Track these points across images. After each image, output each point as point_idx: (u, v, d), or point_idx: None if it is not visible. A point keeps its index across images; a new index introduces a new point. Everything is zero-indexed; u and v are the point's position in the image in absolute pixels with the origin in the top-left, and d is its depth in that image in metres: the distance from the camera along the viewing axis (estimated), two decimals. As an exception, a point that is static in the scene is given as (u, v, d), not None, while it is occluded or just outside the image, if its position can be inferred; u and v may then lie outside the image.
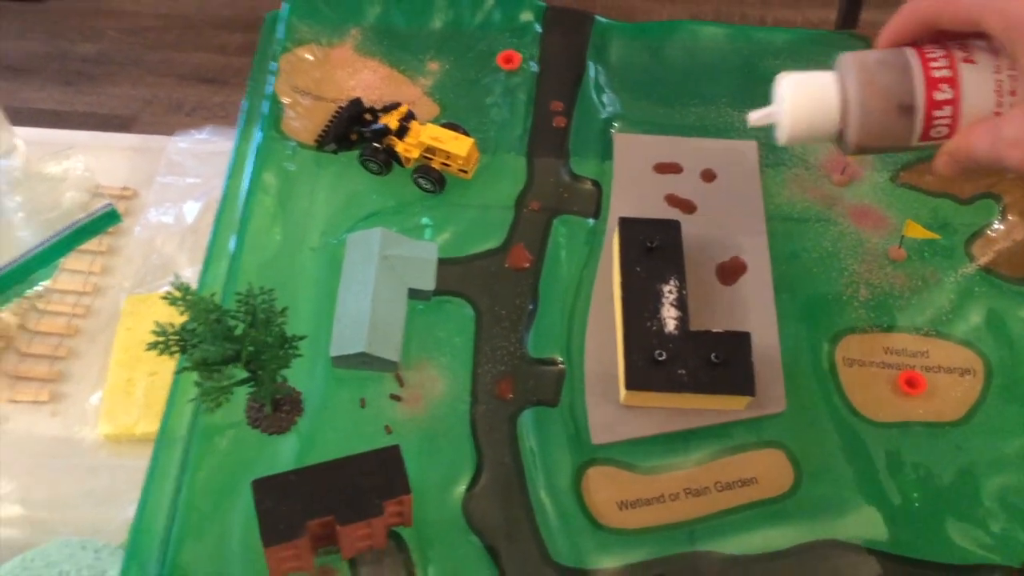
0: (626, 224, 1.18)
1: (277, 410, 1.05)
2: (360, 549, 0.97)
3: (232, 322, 0.85)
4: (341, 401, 1.07)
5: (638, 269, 1.14)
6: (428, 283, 1.14)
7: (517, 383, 1.11)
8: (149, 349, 0.84)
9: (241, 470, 1.02)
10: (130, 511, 1.03)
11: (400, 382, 1.09)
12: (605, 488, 1.05)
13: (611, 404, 1.10)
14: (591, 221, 1.25)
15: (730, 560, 1.00)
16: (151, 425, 1.21)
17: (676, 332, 1.10)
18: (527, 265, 1.20)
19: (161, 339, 0.83)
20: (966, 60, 0.70)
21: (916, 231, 1.18)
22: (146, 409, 1.27)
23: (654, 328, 1.10)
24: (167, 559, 0.98)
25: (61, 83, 1.61)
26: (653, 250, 1.16)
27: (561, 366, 1.12)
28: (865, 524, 1.03)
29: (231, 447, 1.04)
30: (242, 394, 1.04)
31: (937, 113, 0.70)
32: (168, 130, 1.57)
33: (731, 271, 1.21)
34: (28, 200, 1.48)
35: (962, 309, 1.18)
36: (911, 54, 0.72)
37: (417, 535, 1.00)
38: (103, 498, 1.22)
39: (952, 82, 0.70)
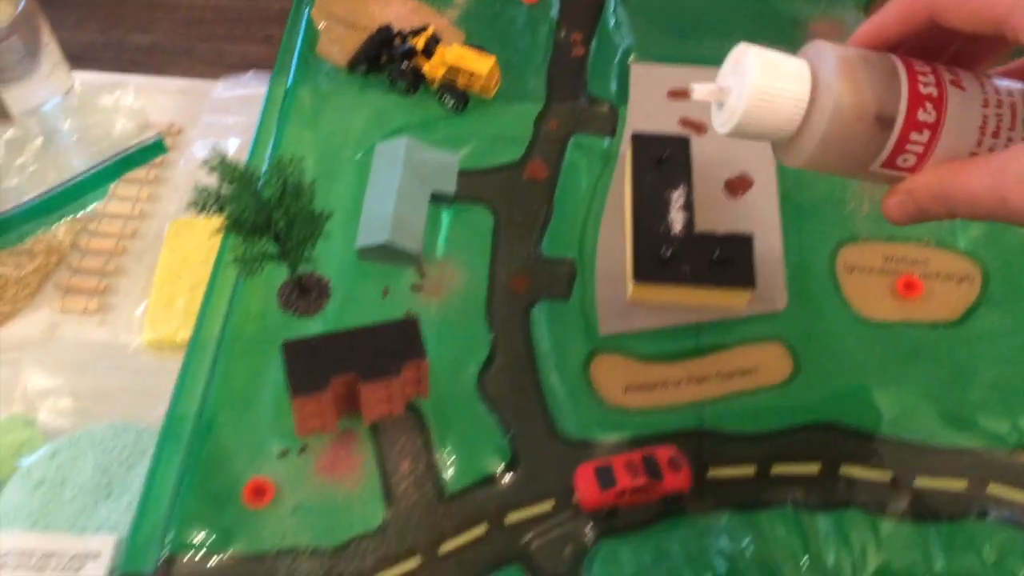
0: (638, 139, 1.25)
1: (307, 294, 1.12)
2: (380, 414, 1.04)
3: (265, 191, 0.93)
4: (366, 290, 1.15)
5: (648, 178, 1.21)
6: (449, 186, 1.21)
7: (531, 279, 1.17)
8: (189, 208, 0.91)
9: (272, 349, 1.09)
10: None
11: (421, 274, 1.16)
12: (612, 373, 1.11)
13: (619, 299, 1.16)
14: (606, 140, 1.32)
15: (732, 438, 1.06)
16: (191, 332, 1.29)
17: (682, 233, 1.16)
18: (544, 177, 1.27)
19: (201, 198, 0.91)
20: (954, 83, 0.60)
21: (916, 146, 1.23)
22: (186, 319, 1.35)
23: (662, 229, 1.16)
24: (200, 432, 1.05)
25: (116, 71, 1.73)
26: (663, 162, 1.22)
27: (573, 264, 1.19)
28: (861, 410, 1.09)
29: (263, 331, 1.12)
30: (277, 281, 1.13)
31: (914, 136, 0.59)
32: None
33: (738, 186, 1.27)
34: (81, 129, 1.58)
35: (963, 222, 1.23)
36: (897, 61, 0.61)
37: (433, 407, 1.07)
38: (146, 394, 1.29)
39: (938, 104, 0.59)
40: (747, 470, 1.04)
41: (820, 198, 1.26)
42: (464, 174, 1.25)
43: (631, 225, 1.18)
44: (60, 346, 1.36)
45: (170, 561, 0.94)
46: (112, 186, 1.53)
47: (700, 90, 0.67)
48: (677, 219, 1.17)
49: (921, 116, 0.59)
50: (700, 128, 1.33)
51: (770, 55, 0.63)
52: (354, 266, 1.17)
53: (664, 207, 1.18)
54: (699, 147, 1.28)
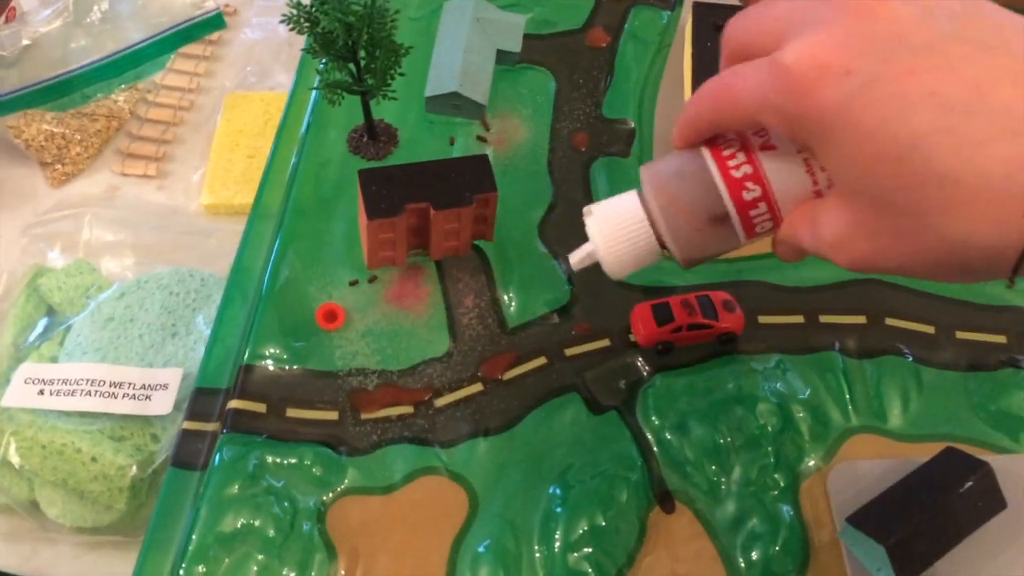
0: (700, 6, 1.27)
1: (376, 140, 1.16)
2: (447, 250, 1.08)
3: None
4: (432, 139, 1.18)
5: (709, 45, 1.24)
6: (515, 45, 1.24)
7: (591, 137, 1.21)
8: (282, 22, 0.95)
9: (341, 192, 1.14)
10: (232, 259, 1.13)
11: (486, 126, 1.20)
12: (668, 227, 1.15)
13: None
14: (666, 14, 1.34)
15: (783, 288, 1.10)
16: (248, 197, 1.32)
17: (741, 96, 1.19)
18: (604, 44, 1.30)
19: (293, 14, 0.94)
20: (764, 147, 0.62)
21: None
22: (243, 184, 1.39)
23: (721, 92, 1.19)
24: (274, 265, 1.09)
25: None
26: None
27: (632, 126, 1.22)
28: (907, 270, 1.12)
29: (333, 173, 1.16)
30: (347, 129, 1.17)
31: (753, 213, 0.62)
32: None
33: (795, 59, 1.30)
34: (141, 2, 1.60)
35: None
36: (707, 155, 0.63)
37: (496, 249, 1.11)
38: (206, 250, 1.34)
39: (756, 178, 0.61)
40: (797, 318, 1.09)
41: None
42: (528, 39, 1.28)
43: (689, 87, 1.21)
44: (121, 205, 1.40)
45: (249, 369, 0.99)
46: (170, 60, 1.56)
47: (575, 259, 0.74)
48: (736, 84, 1.20)
49: (748, 196, 0.62)
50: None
51: (605, 210, 0.69)
52: (421, 117, 1.20)
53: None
54: (757, 22, 1.30)
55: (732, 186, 0.62)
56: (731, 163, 0.63)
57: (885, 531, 0.88)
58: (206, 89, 1.55)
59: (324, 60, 1.00)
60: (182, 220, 1.40)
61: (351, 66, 1.02)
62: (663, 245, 0.71)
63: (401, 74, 1.06)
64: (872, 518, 0.90)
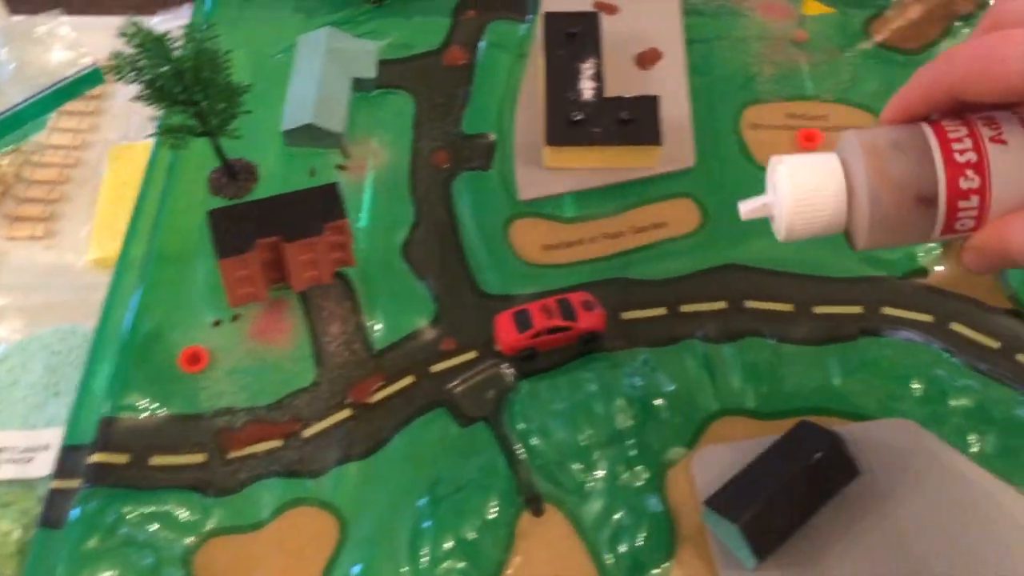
0: (550, 17, 1.29)
1: (235, 178, 1.17)
2: (308, 281, 1.09)
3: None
4: (293, 172, 1.20)
5: (560, 52, 1.26)
6: (370, 71, 1.26)
7: (452, 154, 1.23)
8: (106, 73, 0.96)
9: (203, 234, 1.14)
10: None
11: (346, 154, 1.21)
12: (530, 234, 1.17)
13: (536, 166, 1.22)
14: (522, 26, 1.36)
15: (644, 283, 1.12)
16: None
17: (592, 99, 1.21)
18: (463, 62, 1.32)
19: (118, 64, 0.95)
20: (994, 139, 0.57)
21: (813, 7, 1.29)
22: (130, 235, 1.39)
23: (572, 97, 1.21)
24: (137, 316, 1.10)
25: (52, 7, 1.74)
26: (574, 36, 1.27)
27: (492, 139, 1.24)
28: (764, 252, 1.15)
29: (194, 217, 1.17)
30: (207, 169, 1.18)
31: (962, 204, 0.58)
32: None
33: (648, 58, 1.32)
34: (17, 60, 1.60)
35: (859, 79, 1.29)
36: (928, 132, 0.59)
37: (360, 274, 1.13)
38: (92, 305, 1.34)
39: (979, 167, 0.57)
40: (659, 311, 1.11)
41: (724, 67, 1.31)
42: (386, 63, 1.30)
43: (544, 95, 1.23)
44: (9, 270, 1.40)
45: (110, 422, 1.00)
46: (52, 118, 1.57)
47: (746, 209, 0.70)
48: (587, 87, 1.23)
49: (964, 184, 0.57)
50: (612, 9, 1.38)
51: (801, 163, 0.64)
52: (281, 151, 1.21)
53: (575, 77, 1.24)
54: (611, 25, 1.33)
55: (951, 169, 0.57)
56: (956, 146, 0.58)
57: (738, 510, 0.89)
58: (91, 144, 1.55)
59: (163, 106, 1.01)
60: (70, 277, 1.39)
61: (192, 110, 1.03)
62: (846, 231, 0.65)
63: (246, 112, 1.08)
64: (727, 499, 0.92)
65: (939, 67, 0.59)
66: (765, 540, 0.90)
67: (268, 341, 1.07)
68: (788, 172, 0.65)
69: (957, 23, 1.32)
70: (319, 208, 1.04)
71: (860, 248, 0.66)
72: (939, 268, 1.12)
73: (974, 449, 1.00)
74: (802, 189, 0.64)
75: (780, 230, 0.68)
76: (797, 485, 0.91)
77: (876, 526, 0.96)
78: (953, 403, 1.02)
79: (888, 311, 1.10)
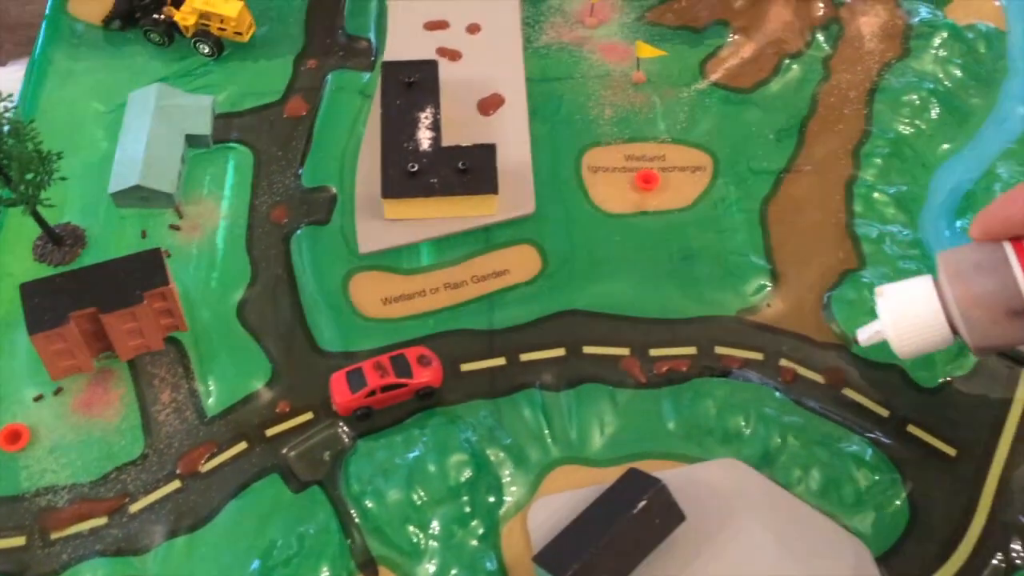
0: (388, 66, 1.29)
1: (60, 245, 1.13)
2: (136, 349, 1.06)
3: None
4: (124, 235, 1.17)
5: (398, 102, 1.26)
6: (204, 128, 1.24)
7: (291, 209, 1.21)
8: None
9: (19, 306, 1.10)
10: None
11: (179, 214, 1.19)
12: (371, 288, 1.16)
13: (376, 218, 1.21)
14: (366, 75, 1.36)
15: (483, 333, 1.13)
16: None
17: (430, 149, 1.21)
18: (304, 113, 1.31)
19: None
20: None
21: (646, 51, 1.31)
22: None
23: (410, 147, 1.21)
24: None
25: None
26: (412, 85, 1.27)
27: (333, 192, 1.23)
28: (603, 296, 1.16)
29: (15, 286, 1.11)
30: (32, 236, 1.14)
31: None
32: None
33: (490, 104, 1.33)
34: None
35: (695, 118, 1.32)
36: (1010, 251, 0.62)
37: (193, 338, 1.10)
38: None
39: None
40: (498, 361, 1.11)
41: (565, 110, 1.33)
42: (224, 117, 1.28)
43: (380, 145, 1.23)
44: None
45: (-77, 510, 0.95)
46: None
47: (864, 336, 0.74)
48: (425, 137, 1.23)
49: None
50: (455, 55, 1.39)
51: (897, 294, 0.70)
52: (111, 213, 1.18)
53: (412, 127, 1.24)
54: (453, 72, 1.33)
55: None
56: None
57: (563, 567, 0.90)
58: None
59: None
60: None
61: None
62: (955, 331, 0.68)
63: (61, 179, 1.05)
64: (554, 554, 0.92)
65: (1013, 198, 0.65)
66: (592, 593, 0.90)
67: (94, 414, 1.04)
68: (886, 304, 0.71)
69: (787, 60, 1.36)
70: (139, 276, 1.02)
71: (977, 355, 0.75)
72: (769, 306, 1.16)
73: (800, 485, 1.02)
74: (902, 317, 0.69)
75: (896, 351, 0.72)
76: (622, 535, 0.92)
77: (704, 568, 0.97)
78: (780, 440, 1.05)
79: (721, 350, 1.12)
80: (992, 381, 1.09)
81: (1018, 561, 0.99)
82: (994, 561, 0.98)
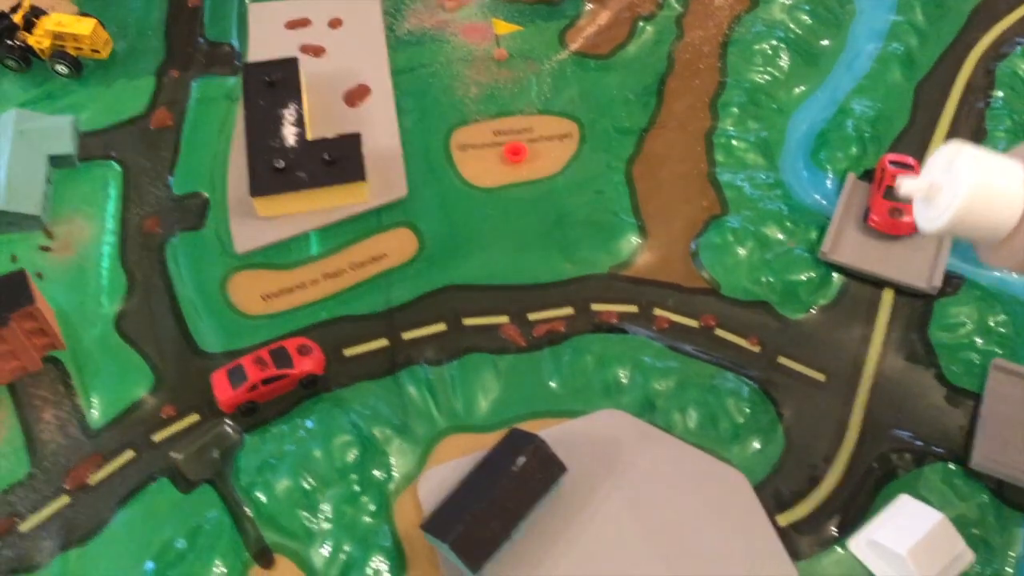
0: (249, 68, 1.30)
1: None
2: (13, 373, 1.06)
3: None
4: (-8, 261, 1.16)
5: (261, 102, 1.27)
6: (67, 148, 1.24)
7: (163, 218, 1.22)
8: None
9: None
10: None
11: (49, 235, 1.18)
12: (250, 286, 1.18)
13: (251, 218, 1.22)
14: (230, 80, 1.37)
15: (365, 318, 1.15)
16: None
17: (296, 144, 1.23)
18: (170, 123, 1.31)
19: None
20: None
21: (503, 27, 1.34)
22: None
23: (276, 145, 1.23)
24: None
25: None
26: (274, 84, 1.28)
27: (205, 197, 1.24)
28: (480, 269, 1.19)
29: None
30: None
31: None
32: None
33: (356, 95, 1.35)
34: None
35: (559, 88, 1.35)
36: None
37: (72, 355, 1.10)
38: None
39: None
40: (381, 343, 1.13)
41: (432, 94, 1.35)
42: (90, 135, 1.28)
43: (247, 147, 1.24)
44: None
45: None
46: None
47: (909, 185, 0.66)
48: (290, 133, 1.24)
49: None
50: (319, 51, 1.40)
51: (986, 155, 0.62)
52: (-23, 242, 1.18)
53: (277, 125, 1.25)
54: (318, 67, 1.35)
55: None
56: None
57: (447, 530, 0.92)
58: None
59: None
60: None
61: None
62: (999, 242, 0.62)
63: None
64: (439, 519, 0.95)
65: None
66: (477, 552, 0.92)
67: (-25, 440, 1.03)
68: (975, 161, 0.62)
69: (642, 23, 1.40)
70: (4, 298, 1.01)
71: (1007, 264, 0.64)
72: (640, 259, 1.19)
73: (679, 426, 1.06)
74: (987, 179, 0.61)
75: (940, 216, 0.64)
76: (505, 493, 0.94)
77: (593, 517, 1.00)
78: (658, 386, 1.08)
79: (596, 307, 1.16)
80: (855, 305, 1.14)
81: (896, 467, 1.03)
82: (874, 465, 1.02)
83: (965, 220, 0.63)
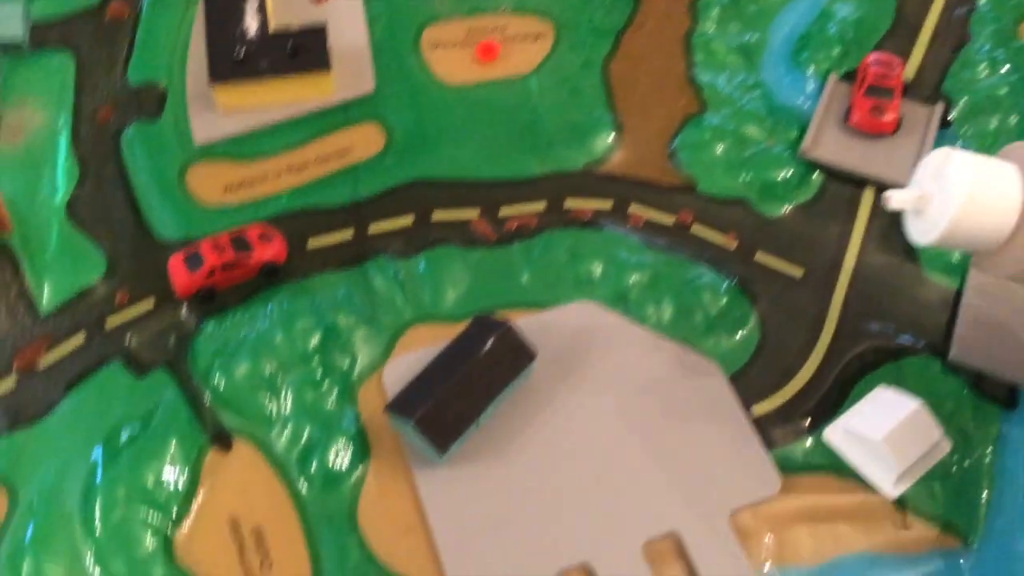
0: (211, -41, 1.25)
1: None
2: (-42, 252, 1.01)
3: None
4: (-61, 145, 1.11)
5: (222, -5, 1.22)
6: (16, 31, 1.18)
7: (119, 107, 1.17)
8: None
9: None
10: None
11: (-4, 121, 1.13)
12: (210, 178, 1.13)
13: (211, 110, 1.17)
14: (191, -27, 1.31)
15: (329, 211, 1.10)
16: None
17: (257, 35, 1.18)
18: (127, 16, 1.26)
19: None
20: None
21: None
22: None
23: (236, 33, 1.17)
24: None
25: None
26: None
27: (163, 87, 1.19)
28: (450, 164, 1.15)
29: None
30: None
31: None
32: None
33: (324, -9, 1.30)
34: None
35: (533, -13, 1.31)
36: None
37: (20, 240, 1.05)
38: None
39: None
40: (345, 234, 1.09)
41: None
42: (42, 24, 1.22)
43: (206, 35, 1.19)
44: None
45: None
46: None
47: (898, 198, 0.62)
48: (251, 24, 1.19)
49: None
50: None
51: (977, 160, 0.58)
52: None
53: (239, 15, 1.19)
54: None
55: None
56: None
57: (413, 409, 0.89)
58: None
59: None
60: None
61: None
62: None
63: None
64: (404, 400, 0.91)
65: None
66: (443, 433, 0.89)
67: (-84, 320, 0.99)
68: (965, 166, 0.58)
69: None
70: (-52, 171, 0.96)
71: (1004, 273, 0.61)
72: (616, 157, 1.16)
73: (652, 318, 1.03)
74: (980, 187, 0.58)
75: (933, 228, 0.60)
76: (471, 375, 0.91)
77: (563, 406, 0.97)
78: (632, 279, 1.05)
79: (570, 203, 1.12)
80: (835, 203, 1.11)
81: (873, 361, 1.00)
82: (851, 359, 1.00)
83: (961, 228, 0.61)
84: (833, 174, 1.13)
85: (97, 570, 0.84)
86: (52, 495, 0.88)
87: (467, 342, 0.95)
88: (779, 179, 1.13)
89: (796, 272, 1.06)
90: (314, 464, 0.92)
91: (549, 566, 0.86)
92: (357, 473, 0.92)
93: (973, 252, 0.65)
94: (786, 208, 1.11)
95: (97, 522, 0.86)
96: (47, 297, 1.02)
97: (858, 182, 1.13)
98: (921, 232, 0.65)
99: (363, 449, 0.93)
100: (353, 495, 0.91)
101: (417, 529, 0.89)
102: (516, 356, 0.94)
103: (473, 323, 0.96)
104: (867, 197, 1.12)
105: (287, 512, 0.89)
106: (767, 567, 0.87)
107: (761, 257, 1.07)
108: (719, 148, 1.16)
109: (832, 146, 1.15)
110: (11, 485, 0.89)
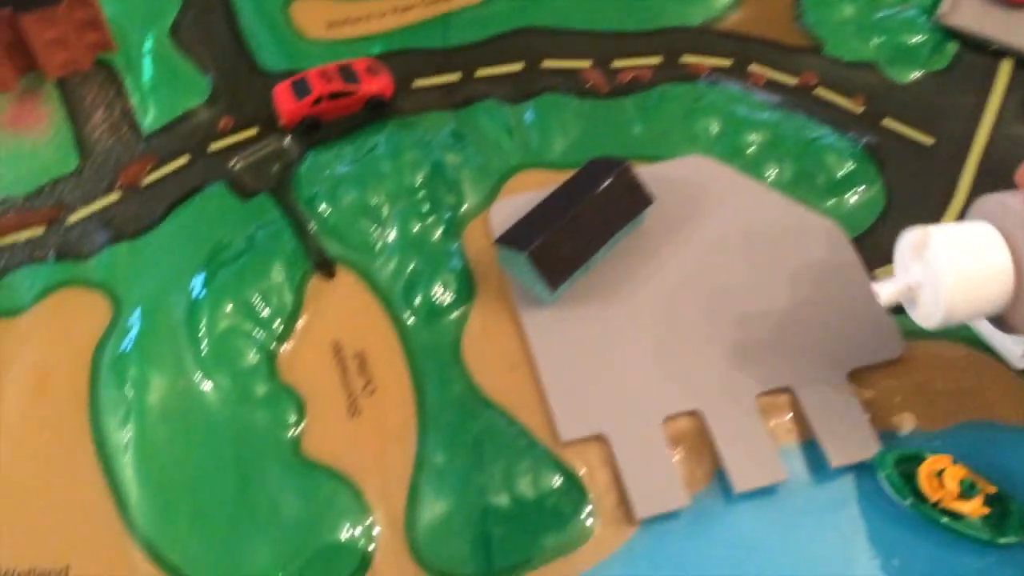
0: None
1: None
2: (63, 66, 0.99)
3: None
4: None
5: None
6: None
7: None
8: None
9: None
10: None
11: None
12: (314, 13, 1.09)
13: (317, -57, 1.13)
14: None
15: (436, 52, 1.07)
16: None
17: None
18: None
19: None
20: None
21: None
22: None
23: None
24: None
25: None
26: None
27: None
28: (564, 10, 1.10)
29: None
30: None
31: None
32: None
33: None
34: None
35: None
36: None
37: (124, 59, 1.03)
38: None
39: None
40: (452, 77, 1.05)
41: None
42: None
43: None
44: None
45: None
46: None
47: (888, 292, 0.60)
48: None
49: None
50: None
51: (954, 231, 0.56)
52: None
53: None
54: None
55: None
56: None
57: (527, 241, 0.86)
58: None
59: None
60: None
61: None
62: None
63: None
64: (516, 234, 0.88)
65: None
66: (556, 268, 0.86)
67: (22, 130, 0.97)
68: (945, 246, 0.55)
69: None
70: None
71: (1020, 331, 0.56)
72: (736, 15, 1.10)
73: (771, 177, 0.98)
74: (965, 265, 0.55)
75: (933, 314, 0.58)
76: (586, 213, 0.88)
77: (674, 256, 0.94)
78: (750, 138, 1.00)
79: (687, 59, 1.07)
80: (970, 73, 1.05)
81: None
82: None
83: (959, 310, 0.58)
84: (969, 43, 1.07)
85: (202, 379, 0.84)
86: (156, 306, 0.87)
87: (582, 181, 0.91)
88: (912, 44, 1.06)
89: (927, 140, 1.00)
90: (418, 297, 0.89)
91: (657, 411, 0.84)
92: (461, 310, 0.89)
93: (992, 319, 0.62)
94: (917, 75, 1.05)
95: (202, 333, 0.85)
96: (151, 117, 1.00)
97: (996, 53, 1.06)
98: (923, 317, 0.62)
99: (468, 287, 0.90)
100: (457, 330, 0.88)
101: (522, 367, 0.86)
102: (633, 198, 0.90)
103: (589, 164, 0.93)
104: (1004, 69, 1.06)
105: (390, 340, 0.87)
106: (883, 428, 0.84)
107: (889, 123, 1.02)
108: (848, 9, 1.10)
109: (971, 12, 1.08)
110: (115, 294, 0.89)
